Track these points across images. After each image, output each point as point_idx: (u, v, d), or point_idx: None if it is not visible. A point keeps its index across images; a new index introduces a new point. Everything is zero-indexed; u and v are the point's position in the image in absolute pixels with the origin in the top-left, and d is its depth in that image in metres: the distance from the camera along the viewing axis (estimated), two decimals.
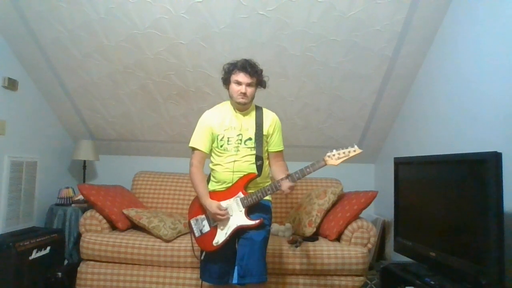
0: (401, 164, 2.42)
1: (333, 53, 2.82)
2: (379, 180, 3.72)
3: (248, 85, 2.00)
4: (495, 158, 1.63)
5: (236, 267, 2.03)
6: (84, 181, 3.68)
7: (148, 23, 2.70)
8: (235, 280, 2.02)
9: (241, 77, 1.99)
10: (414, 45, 2.74)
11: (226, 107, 2.14)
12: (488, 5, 2.16)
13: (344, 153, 1.94)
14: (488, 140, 2.07)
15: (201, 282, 2.22)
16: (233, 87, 2.03)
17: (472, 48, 2.29)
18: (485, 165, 1.66)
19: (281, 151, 2.19)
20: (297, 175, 1.98)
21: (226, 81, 2.08)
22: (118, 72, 3.10)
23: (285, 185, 1.96)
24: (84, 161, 3.69)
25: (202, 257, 2.14)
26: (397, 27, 2.62)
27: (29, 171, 3.13)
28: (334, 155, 1.95)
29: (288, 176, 1.97)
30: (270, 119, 2.14)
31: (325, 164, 1.96)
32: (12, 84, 2.94)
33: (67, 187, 3.47)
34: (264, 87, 2.08)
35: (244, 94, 2.00)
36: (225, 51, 2.85)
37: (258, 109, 2.15)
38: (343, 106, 3.24)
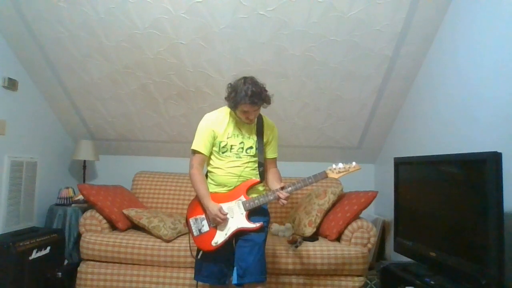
0: (401, 164, 2.42)
1: (333, 53, 2.82)
2: (379, 180, 3.72)
3: (255, 110, 2.07)
4: (495, 158, 1.64)
5: (235, 268, 2.05)
6: (84, 181, 3.68)
7: (148, 23, 2.70)
8: (234, 280, 2.04)
9: (250, 108, 2.02)
10: (414, 45, 2.74)
11: (228, 113, 2.17)
12: (488, 5, 2.16)
13: (344, 168, 2.09)
14: (488, 140, 2.07)
15: (197, 283, 2.21)
16: (241, 113, 2.07)
17: (472, 48, 2.29)
18: (485, 165, 1.66)
19: (275, 158, 2.30)
20: (299, 184, 2.06)
21: (233, 107, 2.09)
22: (118, 72, 3.09)
23: (282, 196, 2.04)
24: (84, 161, 3.70)
25: (199, 257, 2.14)
26: (397, 27, 2.62)
27: (29, 171, 3.12)
28: (335, 169, 2.09)
29: (283, 188, 2.06)
30: (270, 128, 2.25)
31: (327, 176, 2.10)
32: (12, 84, 2.94)
33: (67, 187, 3.47)
34: (269, 103, 2.11)
35: (252, 119, 2.10)
36: (225, 51, 2.86)
37: (259, 117, 2.21)
38: (343, 106, 3.24)
